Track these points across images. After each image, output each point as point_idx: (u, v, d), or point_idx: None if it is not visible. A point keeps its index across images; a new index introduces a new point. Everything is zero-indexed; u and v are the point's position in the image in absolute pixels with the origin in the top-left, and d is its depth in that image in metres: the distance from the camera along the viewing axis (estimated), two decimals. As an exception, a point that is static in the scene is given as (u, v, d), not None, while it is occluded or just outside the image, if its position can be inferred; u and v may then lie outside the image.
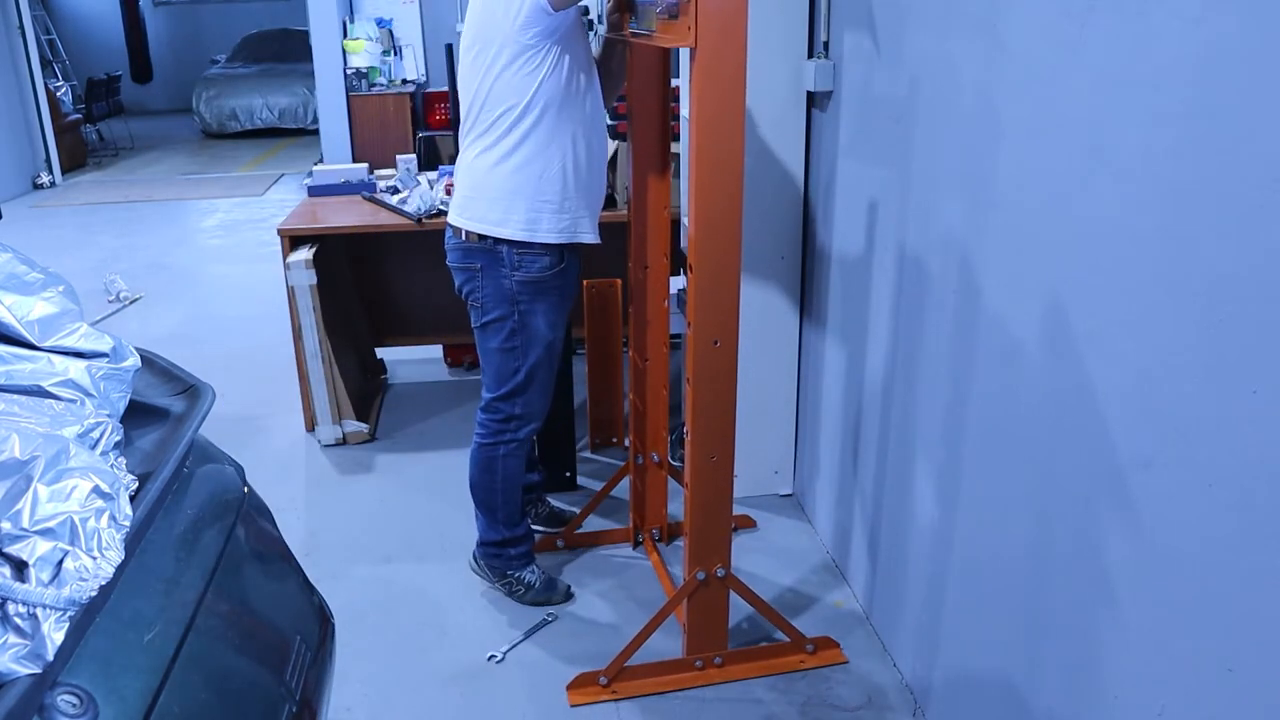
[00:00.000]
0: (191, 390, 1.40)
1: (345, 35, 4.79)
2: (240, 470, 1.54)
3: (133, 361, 1.26)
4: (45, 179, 9.05)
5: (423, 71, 9.14)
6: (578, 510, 2.92)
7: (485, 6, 2.19)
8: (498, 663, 2.41)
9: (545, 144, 2.24)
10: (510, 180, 2.26)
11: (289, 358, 3.65)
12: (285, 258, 3.40)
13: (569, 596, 2.62)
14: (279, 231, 3.49)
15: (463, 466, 3.36)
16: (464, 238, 2.32)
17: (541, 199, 2.26)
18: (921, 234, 2.11)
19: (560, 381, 3.15)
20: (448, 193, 3.47)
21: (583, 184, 2.31)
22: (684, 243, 2.83)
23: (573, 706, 2.24)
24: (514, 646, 2.46)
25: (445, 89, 6.17)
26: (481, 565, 2.64)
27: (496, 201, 2.27)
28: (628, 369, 2.91)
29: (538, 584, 2.61)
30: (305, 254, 3.38)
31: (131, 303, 5.38)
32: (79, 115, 10.32)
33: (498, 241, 2.28)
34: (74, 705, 0.94)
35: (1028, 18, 1.64)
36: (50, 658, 0.89)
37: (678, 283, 2.67)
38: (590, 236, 2.37)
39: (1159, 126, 1.33)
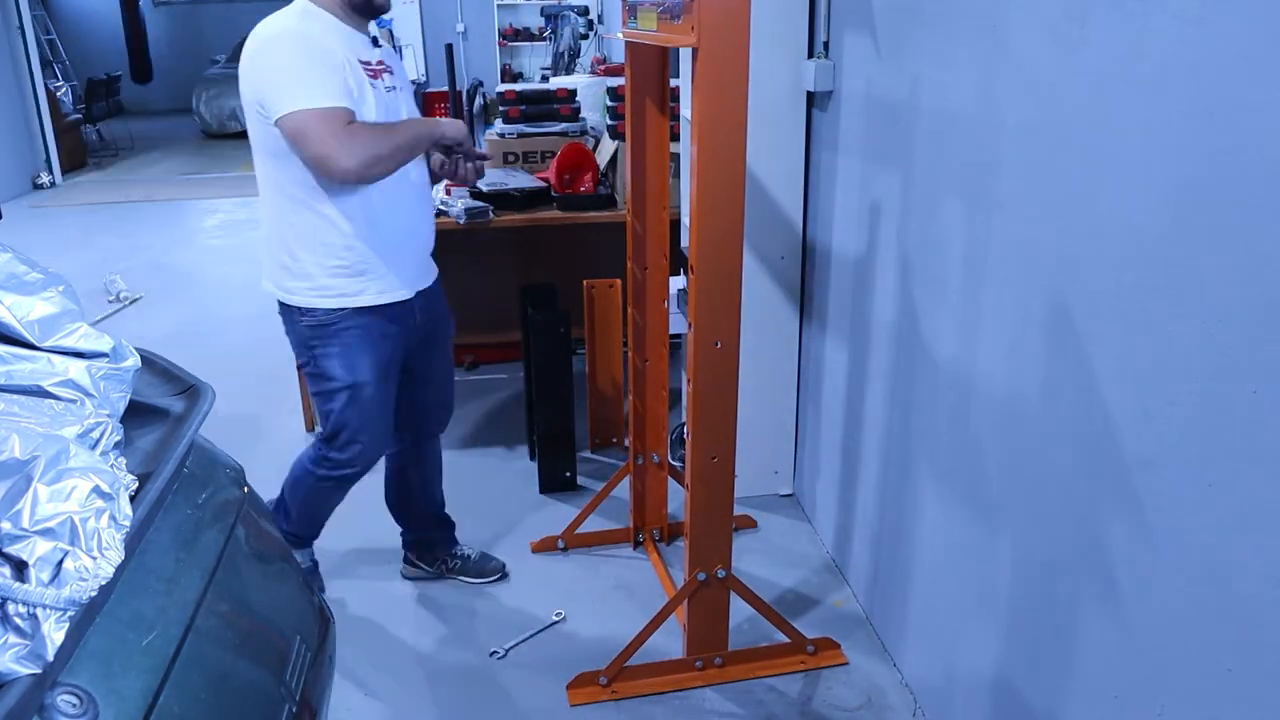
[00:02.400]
0: (191, 390, 1.40)
1: (345, 35, 4.81)
2: (240, 470, 1.54)
3: (133, 361, 1.26)
4: (45, 179, 9.05)
5: (423, 71, 9.13)
6: (503, 562, 2.75)
7: None
8: (499, 659, 2.42)
9: None
10: None
11: (289, 358, 3.61)
12: (285, 258, 3.40)
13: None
14: (279, 231, 3.48)
15: (462, 466, 3.38)
16: None
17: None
18: (921, 234, 2.11)
19: (560, 382, 3.16)
20: (448, 193, 3.47)
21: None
22: (684, 243, 2.84)
23: (573, 706, 2.24)
24: (517, 645, 2.46)
25: (445, 89, 6.17)
26: None
27: (276, 259, 2.32)
28: (628, 369, 2.91)
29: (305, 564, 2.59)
30: (305, 254, 3.38)
31: (131, 303, 5.38)
32: (79, 115, 10.32)
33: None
34: (74, 705, 0.94)
35: (1028, 17, 1.64)
36: (50, 658, 0.89)
37: (678, 283, 2.67)
38: (374, 299, 2.25)
39: (1159, 126, 1.33)
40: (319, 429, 2.37)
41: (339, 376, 2.24)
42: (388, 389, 2.33)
